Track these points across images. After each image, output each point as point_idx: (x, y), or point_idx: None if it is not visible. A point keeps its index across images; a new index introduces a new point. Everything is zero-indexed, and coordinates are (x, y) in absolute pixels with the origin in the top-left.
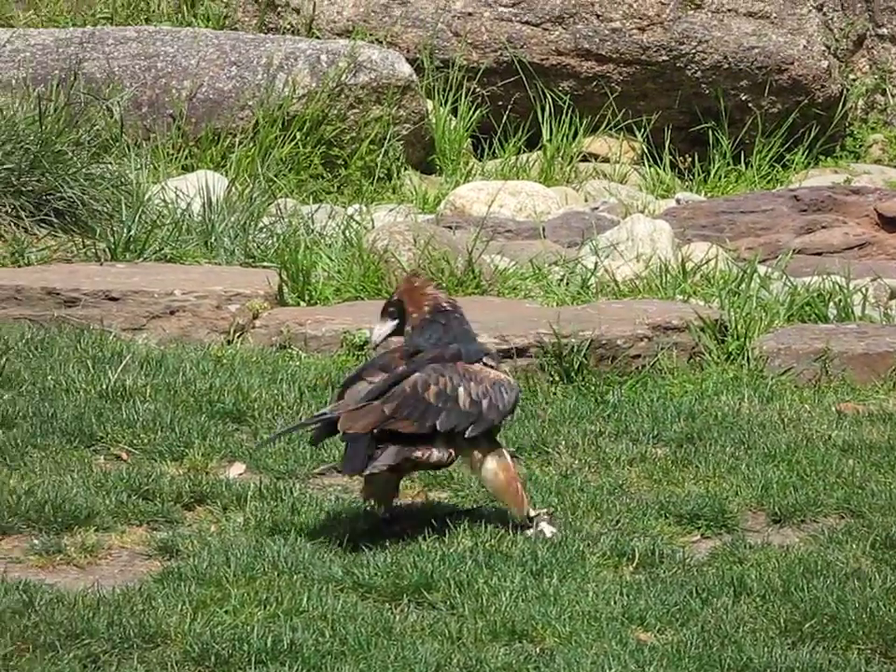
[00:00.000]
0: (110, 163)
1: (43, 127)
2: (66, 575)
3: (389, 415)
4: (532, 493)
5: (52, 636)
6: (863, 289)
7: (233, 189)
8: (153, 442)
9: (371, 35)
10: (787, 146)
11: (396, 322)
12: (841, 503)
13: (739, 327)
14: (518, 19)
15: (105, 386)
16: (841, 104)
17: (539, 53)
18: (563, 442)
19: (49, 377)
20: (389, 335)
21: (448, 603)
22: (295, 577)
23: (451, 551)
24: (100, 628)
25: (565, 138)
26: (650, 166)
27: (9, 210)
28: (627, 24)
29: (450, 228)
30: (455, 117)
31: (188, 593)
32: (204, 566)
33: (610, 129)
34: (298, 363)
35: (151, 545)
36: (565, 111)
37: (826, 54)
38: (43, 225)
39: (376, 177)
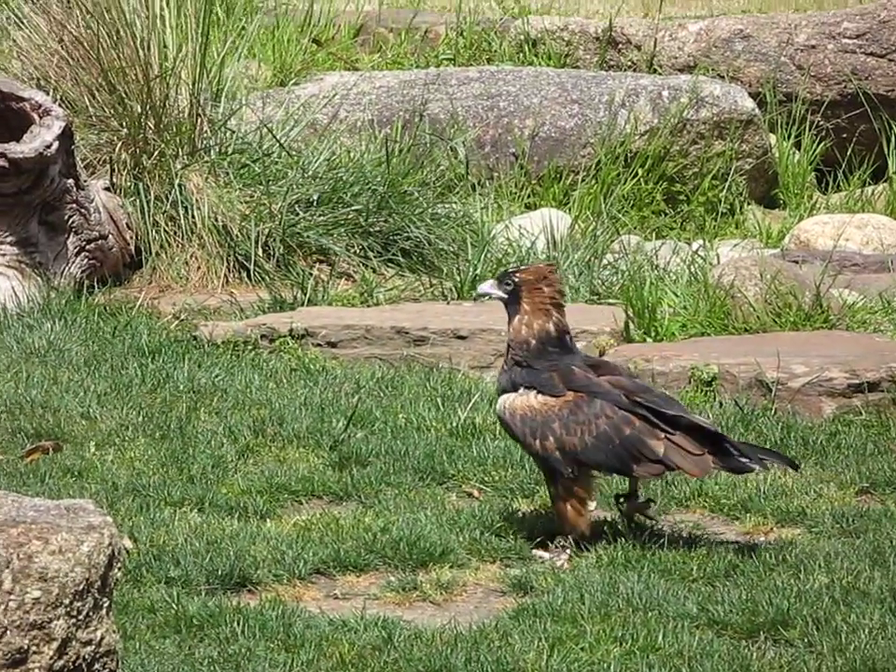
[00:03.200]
0: (455, 203)
1: (390, 168)
2: (423, 611)
3: None
4: (888, 530)
5: None
6: None
7: (576, 226)
8: (504, 480)
9: (712, 69)
10: None
11: (506, 297)
12: None
13: None
14: (863, 50)
15: (455, 424)
16: None
17: (885, 84)
18: None
19: (401, 415)
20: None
21: (806, 640)
22: (650, 614)
23: (807, 587)
24: (458, 665)
25: None
26: None
27: (358, 251)
28: None
29: (795, 262)
30: (799, 150)
31: (543, 629)
32: (559, 602)
33: None
34: None
35: (505, 582)
36: None
37: None
38: (390, 265)
39: (719, 213)
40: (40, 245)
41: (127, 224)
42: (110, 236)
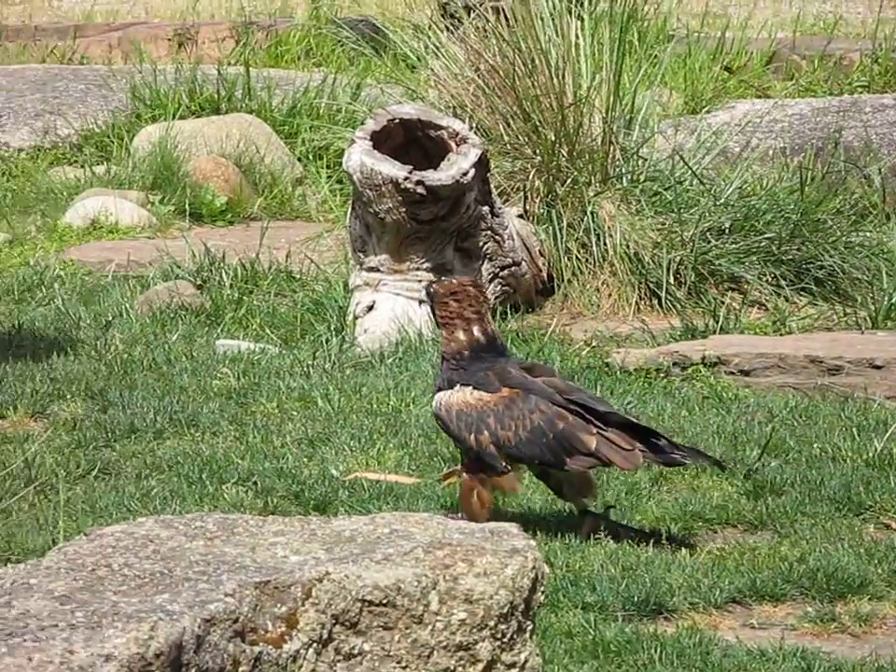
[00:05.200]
0: (869, 231)
1: (803, 196)
2: (841, 643)
3: None
4: None
5: None
6: None
7: None
8: None
9: None
10: None
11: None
12: None
13: None
14: None
15: (871, 455)
16: None
17: None
18: None
19: (815, 445)
20: None
21: None
22: None
23: None
24: None
25: None
26: None
27: (770, 279)
28: None
29: None
30: None
31: None
32: None
33: None
34: None
35: None
36: None
37: None
38: (803, 293)
39: None
40: (455, 272)
41: (539, 251)
42: (523, 263)
